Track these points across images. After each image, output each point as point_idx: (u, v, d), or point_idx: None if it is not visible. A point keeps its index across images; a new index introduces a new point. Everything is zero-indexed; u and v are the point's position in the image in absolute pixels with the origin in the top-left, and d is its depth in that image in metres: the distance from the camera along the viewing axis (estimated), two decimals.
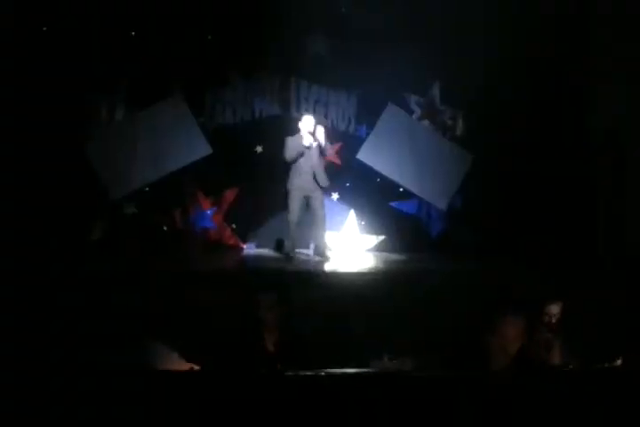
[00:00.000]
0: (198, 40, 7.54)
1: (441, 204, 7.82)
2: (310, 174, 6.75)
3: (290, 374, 2.79)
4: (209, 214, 7.91)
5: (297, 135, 6.85)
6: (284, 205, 7.09)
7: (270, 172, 7.84)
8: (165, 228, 7.69)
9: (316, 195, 6.78)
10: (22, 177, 6.84)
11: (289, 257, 6.81)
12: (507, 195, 7.49)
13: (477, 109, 7.69)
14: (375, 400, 2.45)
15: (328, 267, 6.57)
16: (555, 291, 4.09)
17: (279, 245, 7.40)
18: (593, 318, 4.34)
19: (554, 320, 3.78)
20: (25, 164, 6.85)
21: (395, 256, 7.47)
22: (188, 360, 3.56)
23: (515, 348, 3.17)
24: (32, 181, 6.86)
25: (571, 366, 3.49)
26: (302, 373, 2.65)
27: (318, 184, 6.77)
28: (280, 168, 7.79)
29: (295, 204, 6.78)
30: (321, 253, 6.89)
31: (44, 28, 7.06)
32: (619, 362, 3.42)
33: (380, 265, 6.88)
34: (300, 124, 6.89)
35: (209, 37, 7.63)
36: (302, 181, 6.72)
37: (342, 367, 3.30)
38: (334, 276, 5.89)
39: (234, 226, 7.96)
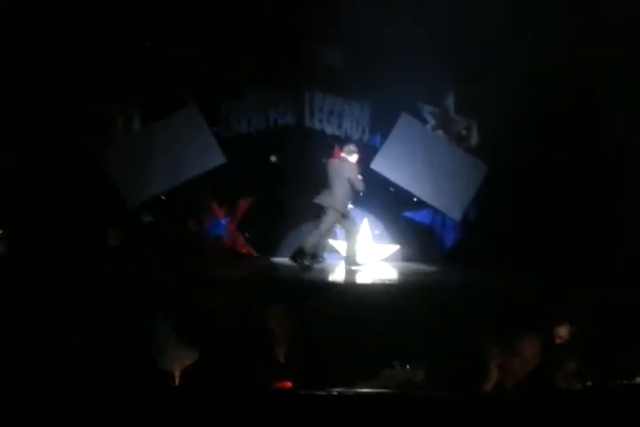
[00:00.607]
0: (214, 51, 7.62)
1: (455, 214, 7.80)
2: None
3: (302, 393, 2.78)
4: (223, 224, 7.96)
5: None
6: (301, 215, 7.26)
7: (284, 181, 7.94)
8: (180, 236, 7.73)
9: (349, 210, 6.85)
10: (41, 185, 6.96)
11: (307, 266, 6.82)
12: (520, 204, 7.45)
13: (492, 120, 7.67)
14: (388, 421, 2.43)
15: (342, 277, 6.58)
16: (567, 309, 4.07)
17: (299, 254, 7.08)
18: (611, 334, 4.28)
19: (564, 341, 3.76)
20: (44, 173, 6.97)
21: (409, 266, 7.44)
22: (195, 371, 3.56)
23: (531, 365, 3.14)
24: (50, 190, 6.97)
25: (588, 384, 3.45)
26: (314, 392, 2.63)
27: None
28: (294, 178, 7.91)
29: (331, 218, 6.82)
30: (352, 263, 6.92)
31: (64, 40, 7.17)
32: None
33: (395, 275, 6.87)
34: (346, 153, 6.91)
35: (224, 49, 7.71)
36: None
37: (353, 377, 3.29)
38: (348, 286, 5.89)
39: (247, 235, 8.00)
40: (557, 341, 3.78)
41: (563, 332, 3.83)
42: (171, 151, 7.60)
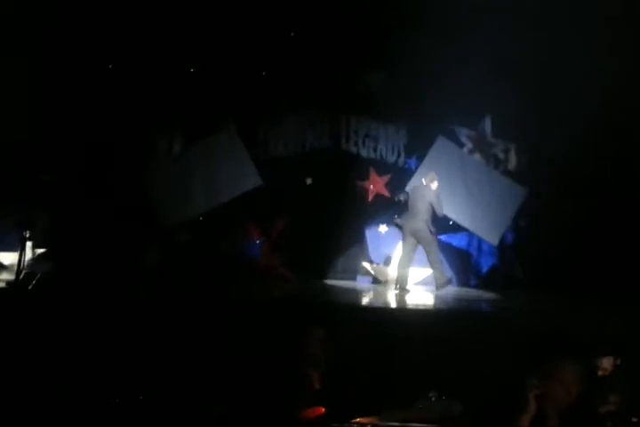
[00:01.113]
0: (252, 75, 7.76)
1: (493, 239, 7.68)
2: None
3: (335, 425, 2.74)
4: (259, 244, 8.02)
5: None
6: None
7: (319, 203, 7.98)
8: (215, 256, 7.78)
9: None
10: (83, 206, 7.14)
11: (404, 290, 6.93)
12: (560, 228, 7.29)
13: (530, 143, 7.60)
14: None
15: (379, 301, 6.54)
16: (611, 339, 3.93)
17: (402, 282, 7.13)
18: None
19: (608, 373, 3.64)
20: (86, 194, 7.16)
21: (444, 291, 7.32)
22: (225, 395, 3.56)
23: (572, 398, 3.04)
24: (91, 210, 7.15)
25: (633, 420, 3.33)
26: (347, 423, 2.59)
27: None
28: (330, 200, 7.95)
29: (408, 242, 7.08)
30: (403, 287, 6.98)
31: (109, 66, 7.42)
32: None
33: (431, 301, 6.77)
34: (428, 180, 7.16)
35: (263, 73, 7.85)
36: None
37: (388, 406, 3.24)
38: (384, 311, 5.82)
39: (282, 257, 8.03)
40: (600, 373, 3.67)
41: (606, 363, 3.72)
42: (209, 174, 7.72)
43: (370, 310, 5.85)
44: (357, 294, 7.00)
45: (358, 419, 3.27)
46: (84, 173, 7.21)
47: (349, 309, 5.56)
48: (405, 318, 5.29)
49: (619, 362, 3.75)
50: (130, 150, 7.59)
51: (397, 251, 7.93)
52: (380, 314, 5.35)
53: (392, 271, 7.84)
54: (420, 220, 6.96)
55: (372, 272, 8.04)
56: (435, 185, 7.15)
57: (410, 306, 6.19)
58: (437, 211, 7.03)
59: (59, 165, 7.19)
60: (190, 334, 4.70)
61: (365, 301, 6.60)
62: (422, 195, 7.07)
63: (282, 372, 3.69)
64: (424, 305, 6.49)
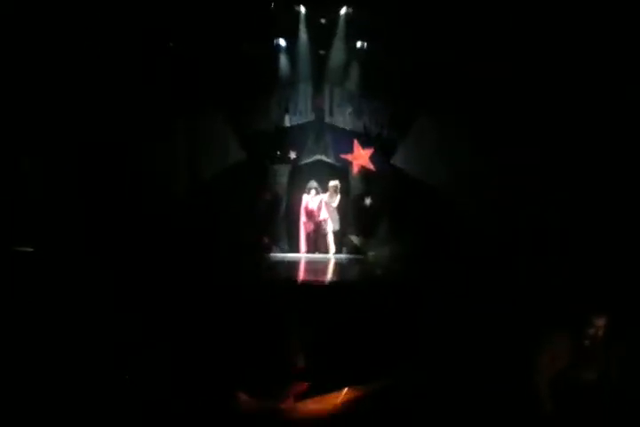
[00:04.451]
0: (234, 49, 7.64)
1: (472, 210, 7.76)
2: None
3: None
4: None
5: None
6: None
7: (304, 178, 8.03)
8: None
9: None
10: (70, 189, 7.01)
11: None
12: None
13: None
14: None
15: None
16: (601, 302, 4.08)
17: None
18: None
19: (600, 332, 3.79)
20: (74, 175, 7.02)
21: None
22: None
23: (561, 364, 3.20)
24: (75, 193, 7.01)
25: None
26: None
27: None
28: (314, 174, 8.00)
29: None
30: None
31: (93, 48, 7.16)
32: None
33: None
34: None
35: (244, 45, 7.73)
36: None
37: None
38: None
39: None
40: (587, 342, 3.79)
41: (601, 322, 3.82)
42: (192, 150, 7.67)
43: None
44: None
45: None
46: (67, 153, 7.05)
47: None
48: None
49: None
50: (110, 130, 7.42)
51: (382, 223, 8.07)
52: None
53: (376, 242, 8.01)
54: None
55: (357, 244, 8.16)
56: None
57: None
58: None
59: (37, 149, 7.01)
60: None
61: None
62: None
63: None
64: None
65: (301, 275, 6.95)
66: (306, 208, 8.18)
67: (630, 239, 5.98)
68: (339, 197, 8.09)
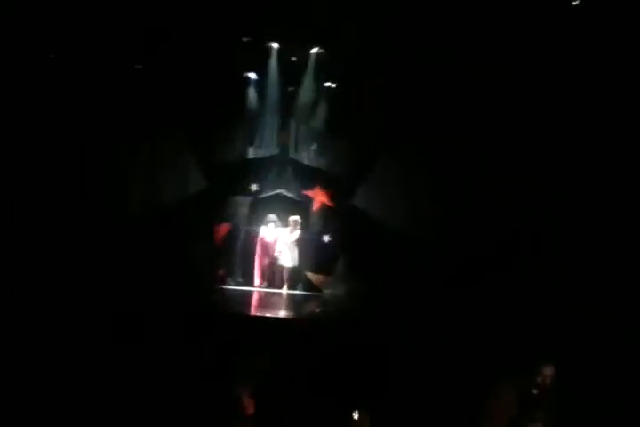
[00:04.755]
0: (203, 79, 7.67)
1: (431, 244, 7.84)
2: None
3: None
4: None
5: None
6: None
7: (264, 211, 8.00)
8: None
9: None
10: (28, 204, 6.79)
11: None
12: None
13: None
14: None
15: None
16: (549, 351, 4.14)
17: None
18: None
19: (548, 381, 3.85)
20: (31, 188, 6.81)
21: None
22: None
23: (511, 413, 3.21)
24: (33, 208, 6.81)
25: None
26: None
27: None
28: (275, 208, 7.99)
29: None
30: None
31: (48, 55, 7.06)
32: None
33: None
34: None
35: (213, 75, 7.77)
36: None
37: None
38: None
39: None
40: (540, 380, 3.82)
41: (548, 371, 3.87)
42: (153, 175, 7.59)
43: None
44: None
45: None
46: (25, 173, 6.85)
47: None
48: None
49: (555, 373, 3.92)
50: (73, 151, 7.28)
51: (340, 261, 8.07)
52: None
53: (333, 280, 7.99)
54: None
55: (314, 281, 8.12)
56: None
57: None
58: None
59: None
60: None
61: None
62: None
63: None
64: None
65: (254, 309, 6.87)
66: (262, 241, 8.10)
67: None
68: (298, 232, 8.07)
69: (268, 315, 6.39)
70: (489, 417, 3.41)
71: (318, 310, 6.97)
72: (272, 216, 8.07)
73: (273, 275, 8.12)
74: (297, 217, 8.05)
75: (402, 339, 4.84)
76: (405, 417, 3.90)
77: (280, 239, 8.04)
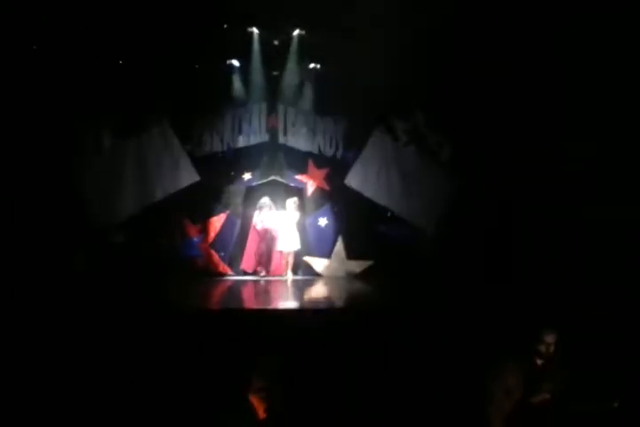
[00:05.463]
0: (186, 69, 7.55)
1: (428, 228, 7.81)
2: None
3: None
4: (195, 242, 7.86)
5: None
6: None
7: (259, 198, 7.91)
8: (151, 255, 7.54)
9: None
10: (8, 205, 6.74)
11: None
12: (494, 221, 7.44)
13: (463, 135, 7.72)
14: None
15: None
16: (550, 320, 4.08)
17: None
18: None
19: (551, 349, 3.79)
20: (9, 194, 6.76)
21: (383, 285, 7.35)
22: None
23: (517, 394, 3.16)
24: (18, 210, 6.76)
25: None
26: None
27: None
28: (269, 195, 7.90)
29: None
30: None
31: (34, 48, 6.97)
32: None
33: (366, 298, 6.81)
34: None
35: (197, 66, 7.66)
36: None
37: None
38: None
39: (222, 254, 7.92)
40: (543, 348, 3.77)
41: (550, 339, 3.83)
42: (143, 170, 7.51)
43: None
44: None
45: None
46: (8, 170, 6.79)
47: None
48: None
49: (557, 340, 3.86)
50: (57, 148, 7.22)
51: (338, 243, 8.01)
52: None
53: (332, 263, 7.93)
54: None
55: (313, 265, 8.06)
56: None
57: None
58: None
59: None
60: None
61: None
62: None
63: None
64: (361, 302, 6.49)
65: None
66: (256, 226, 7.85)
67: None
68: (298, 213, 7.76)
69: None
70: (494, 401, 3.35)
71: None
72: (265, 200, 7.84)
73: (270, 261, 7.96)
74: (295, 198, 7.79)
75: (401, 329, 4.77)
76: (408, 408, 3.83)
77: (278, 223, 7.79)
